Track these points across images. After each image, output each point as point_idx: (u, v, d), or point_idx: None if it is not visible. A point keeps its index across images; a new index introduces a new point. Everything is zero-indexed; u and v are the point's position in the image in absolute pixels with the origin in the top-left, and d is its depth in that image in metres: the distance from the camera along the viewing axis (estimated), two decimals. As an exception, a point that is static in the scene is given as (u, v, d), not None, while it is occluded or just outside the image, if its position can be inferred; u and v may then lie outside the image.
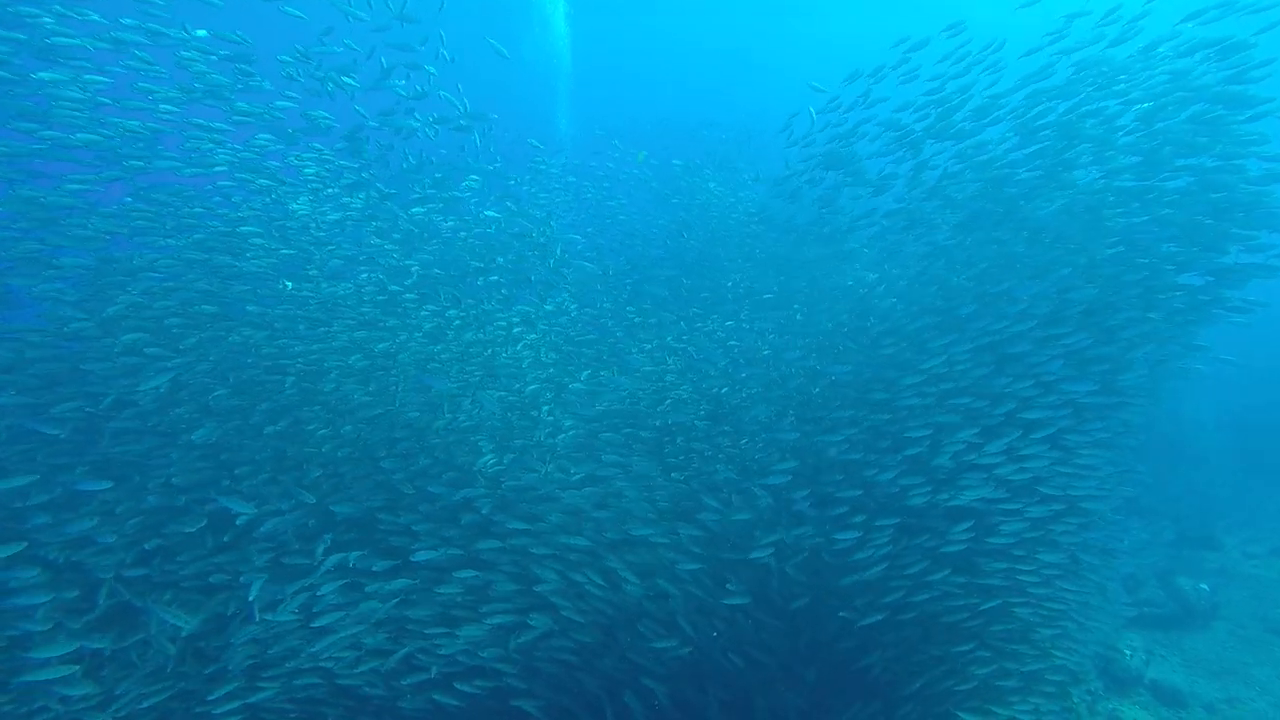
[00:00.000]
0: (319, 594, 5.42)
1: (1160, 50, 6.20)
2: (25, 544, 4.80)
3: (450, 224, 9.41)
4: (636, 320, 9.57)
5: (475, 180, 9.68)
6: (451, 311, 8.10)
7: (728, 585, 6.09)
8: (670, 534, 6.20)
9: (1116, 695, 8.53)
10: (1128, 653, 8.91)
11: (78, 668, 4.76)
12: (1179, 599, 10.53)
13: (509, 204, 9.90)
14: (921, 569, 6.03)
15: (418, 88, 8.38)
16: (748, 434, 7.16)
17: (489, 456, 6.65)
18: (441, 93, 8.64)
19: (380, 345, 7.43)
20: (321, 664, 5.47)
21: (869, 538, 6.07)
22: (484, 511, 6.05)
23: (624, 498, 6.40)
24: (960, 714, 5.72)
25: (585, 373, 8.19)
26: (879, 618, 5.91)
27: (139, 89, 7.41)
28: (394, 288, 8.29)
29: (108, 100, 7.12)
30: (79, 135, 6.95)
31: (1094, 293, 5.96)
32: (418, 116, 8.32)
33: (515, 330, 8.16)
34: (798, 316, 8.78)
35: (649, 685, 5.76)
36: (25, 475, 5.10)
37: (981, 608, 6.07)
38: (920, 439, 6.18)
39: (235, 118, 7.99)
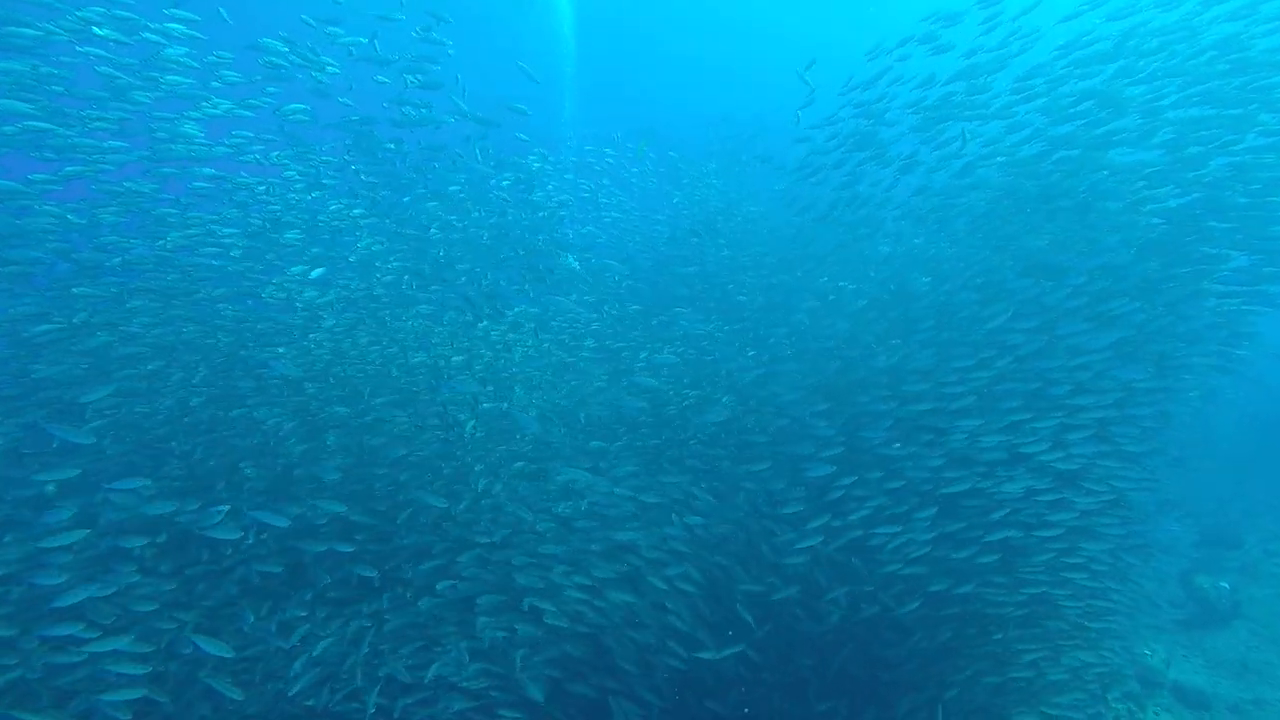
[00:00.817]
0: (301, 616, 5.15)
1: (1209, 14, 5.95)
2: (87, 531, 4.57)
3: (456, 220, 9.21)
4: (639, 321, 9.26)
5: (462, 177, 9.40)
6: (450, 314, 7.84)
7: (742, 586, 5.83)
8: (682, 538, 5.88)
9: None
10: (1148, 653, 8.77)
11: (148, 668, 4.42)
12: (1199, 598, 10.37)
13: (503, 200, 9.60)
14: (965, 557, 5.87)
15: (411, 80, 8.06)
16: (766, 431, 6.84)
17: (481, 468, 6.29)
18: (439, 89, 8.32)
19: (372, 354, 7.15)
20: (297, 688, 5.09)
21: (906, 531, 5.88)
22: (493, 539, 5.71)
23: (617, 506, 6.05)
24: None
25: (588, 377, 7.86)
26: (915, 605, 5.80)
27: (106, 79, 7.05)
28: (380, 291, 8.00)
29: (60, 88, 6.75)
30: (31, 123, 6.58)
31: (1147, 269, 5.70)
32: (433, 109, 8.05)
33: (511, 337, 7.89)
34: (805, 323, 8.53)
35: (648, 696, 5.55)
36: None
37: (1021, 596, 5.94)
38: (962, 426, 5.93)
39: (211, 112, 7.68)
